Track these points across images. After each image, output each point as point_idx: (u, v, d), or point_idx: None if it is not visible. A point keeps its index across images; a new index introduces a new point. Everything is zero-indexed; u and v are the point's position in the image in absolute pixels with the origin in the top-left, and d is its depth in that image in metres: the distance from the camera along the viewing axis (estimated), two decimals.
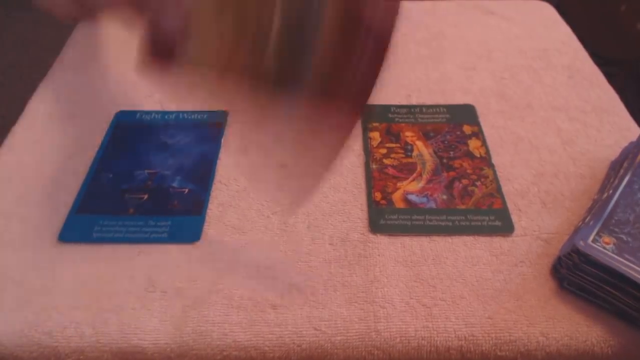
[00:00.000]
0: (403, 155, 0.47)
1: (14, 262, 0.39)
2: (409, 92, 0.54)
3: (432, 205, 0.43)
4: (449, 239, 0.40)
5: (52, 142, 0.48)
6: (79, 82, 0.55)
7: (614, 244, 0.35)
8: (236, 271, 0.38)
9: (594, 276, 0.35)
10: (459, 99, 0.53)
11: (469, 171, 0.45)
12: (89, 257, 0.39)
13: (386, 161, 0.46)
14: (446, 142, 0.48)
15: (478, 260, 0.39)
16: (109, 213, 0.42)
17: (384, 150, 0.47)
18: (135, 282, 0.38)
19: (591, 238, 0.35)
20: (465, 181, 0.44)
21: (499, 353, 0.35)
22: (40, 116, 0.51)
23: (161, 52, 0.39)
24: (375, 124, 0.50)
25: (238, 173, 0.45)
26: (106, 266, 0.39)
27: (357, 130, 0.49)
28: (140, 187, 0.44)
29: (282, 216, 0.42)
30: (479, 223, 0.41)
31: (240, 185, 0.45)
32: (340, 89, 0.37)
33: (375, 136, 0.49)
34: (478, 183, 0.44)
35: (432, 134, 0.49)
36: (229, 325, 0.35)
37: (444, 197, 0.43)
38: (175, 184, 0.44)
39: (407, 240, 0.40)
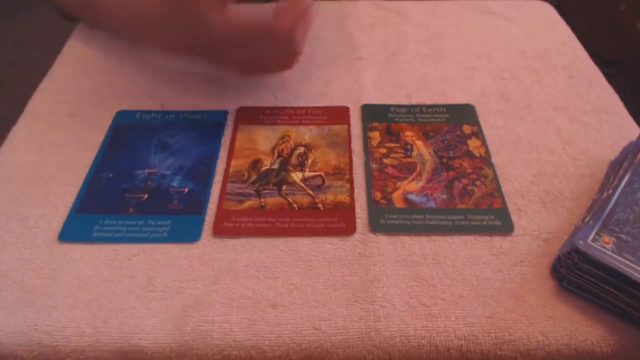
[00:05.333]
0: (403, 155, 0.47)
1: (14, 262, 0.39)
2: (408, 91, 0.54)
3: (432, 204, 0.43)
4: (448, 239, 0.40)
5: (52, 142, 0.48)
6: (79, 82, 0.55)
7: (614, 243, 0.35)
8: (236, 271, 0.38)
9: (593, 275, 0.35)
10: (459, 99, 0.53)
11: (468, 171, 0.45)
12: (89, 256, 0.39)
13: (386, 161, 0.46)
14: (446, 141, 0.48)
15: (478, 260, 0.39)
16: (109, 213, 0.42)
17: (383, 150, 0.47)
18: (135, 282, 0.38)
19: (591, 237, 0.35)
20: (465, 181, 0.44)
21: (498, 352, 0.35)
22: (40, 116, 0.51)
23: None
24: (375, 124, 0.50)
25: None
26: (106, 266, 0.39)
27: (357, 130, 0.49)
28: (140, 187, 0.44)
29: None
30: (479, 222, 0.41)
31: None
32: None
33: (375, 136, 0.49)
34: (478, 183, 0.44)
35: (432, 134, 0.49)
36: (229, 324, 0.35)
37: (444, 196, 0.43)
38: (175, 184, 0.44)
39: (407, 240, 0.40)
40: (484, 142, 0.48)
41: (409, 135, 0.49)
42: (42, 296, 0.37)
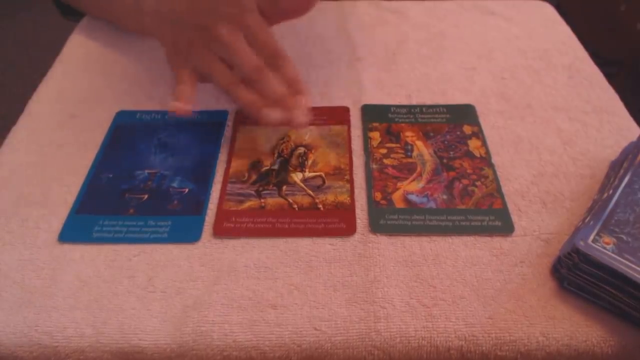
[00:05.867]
0: (403, 155, 0.47)
1: (14, 262, 0.39)
2: (409, 92, 0.54)
3: (432, 205, 0.43)
4: (449, 239, 0.40)
5: (52, 142, 0.48)
6: (79, 82, 0.55)
7: (614, 244, 0.35)
8: (236, 271, 0.38)
9: (594, 276, 0.35)
10: (459, 99, 0.53)
11: (469, 171, 0.45)
12: (89, 257, 0.39)
13: (386, 161, 0.46)
14: (446, 142, 0.48)
15: (478, 260, 0.39)
16: (109, 213, 0.42)
17: (384, 150, 0.47)
18: (135, 282, 0.38)
19: (591, 238, 0.35)
20: (465, 181, 0.44)
21: (499, 353, 0.35)
22: (40, 116, 0.51)
23: None
24: (375, 124, 0.50)
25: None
26: (106, 266, 0.39)
27: (357, 130, 0.49)
28: (140, 187, 0.44)
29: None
30: (479, 223, 0.41)
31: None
32: None
33: (375, 136, 0.49)
34: (478, 183, 0.44)
35: (432, 134, 0.49)
36: (229, 325, 0.35)
37: (444, 197, 0.43)
38: (175, 184, 0.44)
39: (407, 240, 0.40)
40: (484, 143, 0.48)
41: (409, 135, 0.49)
42: (42, 297, 0.37)
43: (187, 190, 0.44)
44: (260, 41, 0.43)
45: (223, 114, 0.51)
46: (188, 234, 0.41)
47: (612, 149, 0.47)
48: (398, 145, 0.48)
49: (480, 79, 0.55)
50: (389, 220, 0.41)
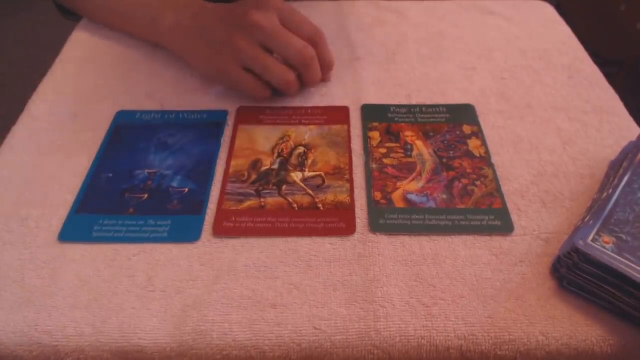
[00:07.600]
0: (403, 155, 0.47)
1: (14, 262, 0.39)
2: (409, 92, 0.54)
3: (432, 204, 0.43)
4: (448, 239, 0.40)
5: (52, 142, 0.48)
6: (79, 81, 0.55)
7: (614, 243, 0.35)
8: (236, 271, 0.38)
9: (593, 275, 0.35)
10: (459, 99, 0.53)
11: (468, 171, 0.45)
12: (89, 256, 0.39)
13: (386, 161, 0.46)
14: (446, 141, 0.48)
15: (478, 260, 0.39)
16: (109, 213, 0.42)
17: (383, 150, 0.47)
18: (135, 282, 0.38)
19: (591, 237, 0.35)
20: (465, 181, 0.44)
21: (498, 352, 0.35)
22: (40, 116, 0.51)
23: None
24: (375, 124, 0.50)
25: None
26: (106, 266, 0.39)
27: (357, 130, 0.49)
28: (140, 187, 0.44)
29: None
30: (479, 223, 0.41)
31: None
32: None
33: (375, 136, 0.49)
34: (478, 183, 0.44)
35: (432, 134, 0.49)
36: (229, 324, 0.35)
37: (444, 196, 0.43)
38: (175, 184, 0.44)
39: (407, 240, 0.40)
40: (484, 142, 0.48)
41: (409, 135, 0.49)
42: (42, 296, 0.37)
43: (187, 190, 0.44)
44: (296, 21, 0.47)
45: (223, 114, 0.51)
46: (188, 234, 0.41)
47: (612, 149, 0.47)
48: (398, 145, 0.48)
49: (480, 79, 0.55)
50: (388, 219, 0.42)
